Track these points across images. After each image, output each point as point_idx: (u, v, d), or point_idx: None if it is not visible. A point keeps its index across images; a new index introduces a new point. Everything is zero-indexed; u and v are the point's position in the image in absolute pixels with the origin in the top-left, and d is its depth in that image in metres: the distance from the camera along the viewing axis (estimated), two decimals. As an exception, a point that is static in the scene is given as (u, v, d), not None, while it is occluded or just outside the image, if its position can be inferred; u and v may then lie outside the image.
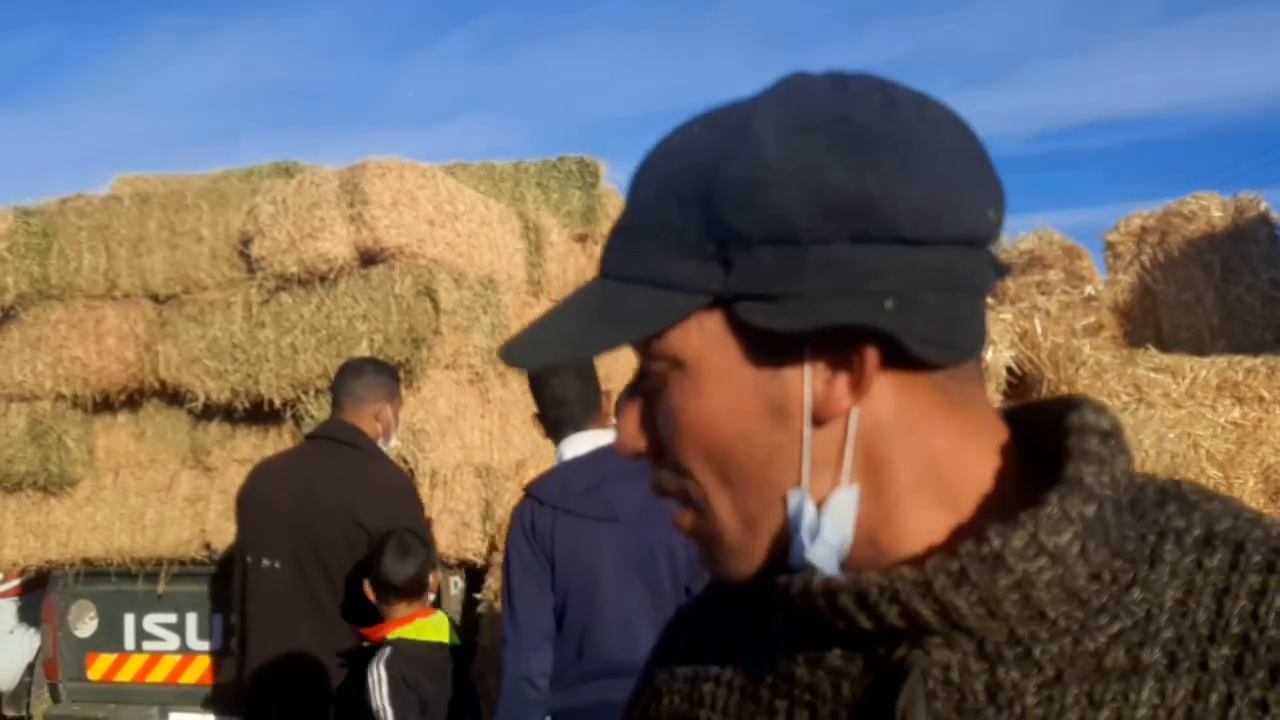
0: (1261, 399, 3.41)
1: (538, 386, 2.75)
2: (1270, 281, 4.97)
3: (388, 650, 2.85)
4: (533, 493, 2.59)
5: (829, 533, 0.61)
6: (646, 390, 0.65)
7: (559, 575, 2.50)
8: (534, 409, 2.83)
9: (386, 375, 3.28)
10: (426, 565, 2.94)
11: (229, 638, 4.31)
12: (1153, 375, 3.48)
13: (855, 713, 0.62)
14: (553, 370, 2.66)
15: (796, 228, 0.57)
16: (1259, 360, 3.47)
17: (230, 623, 4.30)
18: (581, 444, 2.63)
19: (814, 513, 0.61)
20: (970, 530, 0.60)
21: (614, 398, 2.77)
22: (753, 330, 0.59)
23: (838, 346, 0.60)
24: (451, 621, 2.99)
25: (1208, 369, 3.46)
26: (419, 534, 2.96)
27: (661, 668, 0.78)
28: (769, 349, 0.60)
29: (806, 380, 0.60)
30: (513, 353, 0.65)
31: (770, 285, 0.58)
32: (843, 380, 0.60)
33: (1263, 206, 5.15)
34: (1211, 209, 5.21)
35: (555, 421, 2.71)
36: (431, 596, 3.01)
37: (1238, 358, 3.53)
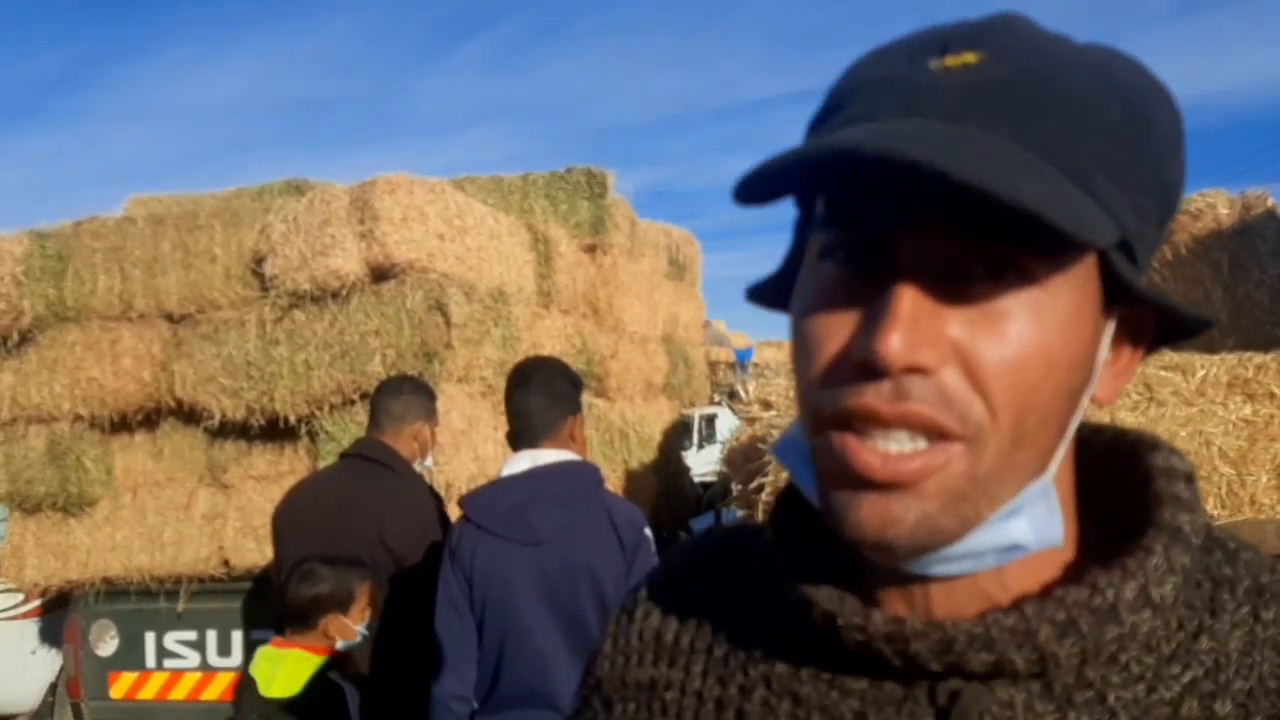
0: (1273, 395, 3.39)
1: (508, 396, 2.60)
2: (1279, 277, 4.95)
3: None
4: (464, 508, 2.50)
5: (1051, 531, 0.54)
6: (934, 289, 0.50)
7: (475, 596, 2.41)
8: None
9: (424, 394, 3.27)
10: (325, 598, 2.73)
11: (251, 654, 4.35)
12: (1163, 374, 3.47)
13: None
14: (521, 381, 2.57)
15: (1176, 205, 0.55)
16: (1269, 357, 3.45)
17: (254, 639, 4.34)
18: (519, 463, 2.51)
19: (1053, 500, 0.54)
20: (1053, 565, 0.57)
21: (576, 422, 2.61)
22: (1110, 281, 0.54)
23: (1126, 329, 0.58)
24: (332, 666, 2.71)
25: (1218, 366, 3.44)
26: (348, 560, 2.80)
27: (615, 654, 0.71)
28: (1102, 309, 0.54)
29: (1102, 354, 0.55)
30: (959, 162, 0.44)
31: (1144, 247, 0.54)
32: (1122, 364, 0.58)
33: (1270, 203, 5.12)
34: (1218, 206, 5.19)
35: (515, 434, 2.58)
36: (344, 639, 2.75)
37: (1248, 354, 3.51)
